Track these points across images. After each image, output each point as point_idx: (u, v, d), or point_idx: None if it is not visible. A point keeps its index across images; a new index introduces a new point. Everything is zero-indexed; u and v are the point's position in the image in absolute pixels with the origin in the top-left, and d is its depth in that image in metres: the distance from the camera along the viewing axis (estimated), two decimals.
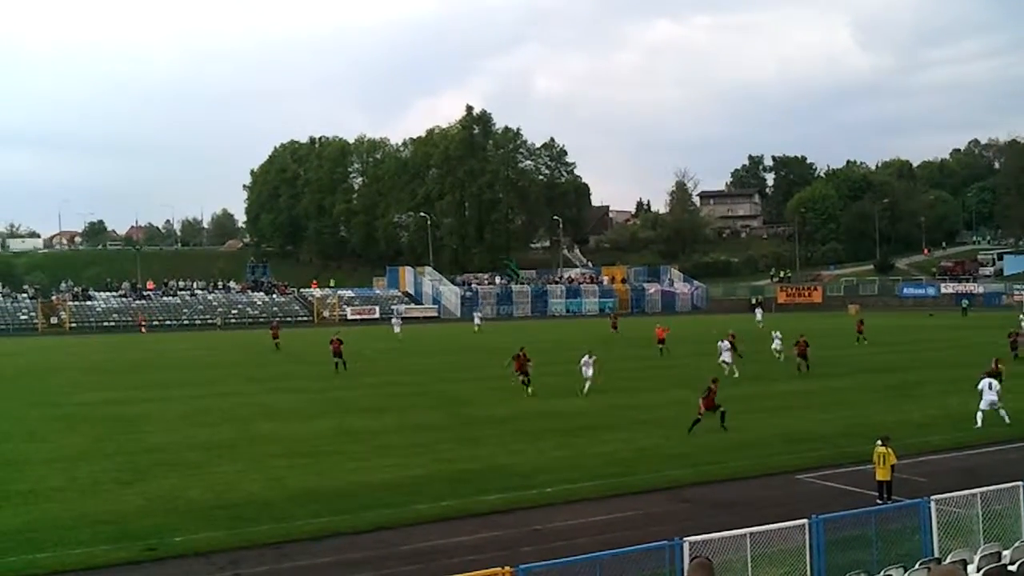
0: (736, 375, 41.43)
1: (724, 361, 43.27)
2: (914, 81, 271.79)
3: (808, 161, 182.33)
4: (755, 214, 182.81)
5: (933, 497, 13.96)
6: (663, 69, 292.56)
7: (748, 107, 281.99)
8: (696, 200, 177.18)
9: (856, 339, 59.70)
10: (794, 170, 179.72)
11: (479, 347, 61.97)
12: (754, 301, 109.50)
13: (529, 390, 35.98)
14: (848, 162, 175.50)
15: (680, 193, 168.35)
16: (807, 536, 12.80)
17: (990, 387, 27.86)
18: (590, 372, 36.24)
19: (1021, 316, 60.64)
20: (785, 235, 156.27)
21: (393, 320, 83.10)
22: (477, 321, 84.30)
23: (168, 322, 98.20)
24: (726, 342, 44.80)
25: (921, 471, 21.74)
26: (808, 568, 12.72)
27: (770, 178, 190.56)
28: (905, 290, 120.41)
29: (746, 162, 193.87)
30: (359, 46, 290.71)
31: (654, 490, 21.23)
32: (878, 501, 18.48)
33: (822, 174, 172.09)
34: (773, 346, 49.52)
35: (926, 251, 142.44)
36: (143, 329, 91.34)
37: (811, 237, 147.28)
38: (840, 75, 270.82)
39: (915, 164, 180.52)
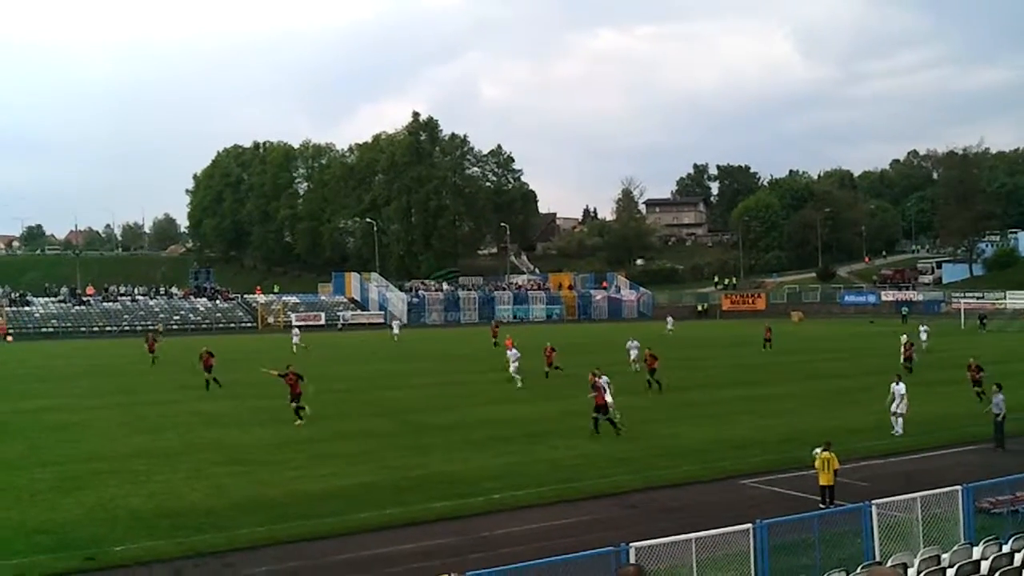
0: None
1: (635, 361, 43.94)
2: (855, 92, 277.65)
3: (752, 170, 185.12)
4: (700, 222, 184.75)
5: (874, 501, 14.17)
6: (607, 78, 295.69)
7: (692, 116, 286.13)
8: (642, 208, 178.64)
9: (763, 346, 60.64)
10: (738, 179, 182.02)
11: (425, 355, 61.75)
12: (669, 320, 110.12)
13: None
14: (791, 171, 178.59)
15: (626, 201, 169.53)
16: (752, 540, 12.90)
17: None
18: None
19: (922, 327, 61.16)
20: (729, 243, 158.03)
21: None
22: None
23: (109, 328, 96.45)
24: (634, 342, 46.40)
25: (862, 476, 22.07)
26: (753, 572, 12.82)
27: (715, 187, 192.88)
28: (847, 297, 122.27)
29: (691, 171, 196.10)
30: (305, 51, 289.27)
31: (600, 496, 21.28)
32: (821, 505, 18.71)
33: (765, 183, 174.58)
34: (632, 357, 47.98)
35: (867, 259, 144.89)
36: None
37: (755, 245, 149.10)
38: (783, 85, 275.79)
39: (856, 174, 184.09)
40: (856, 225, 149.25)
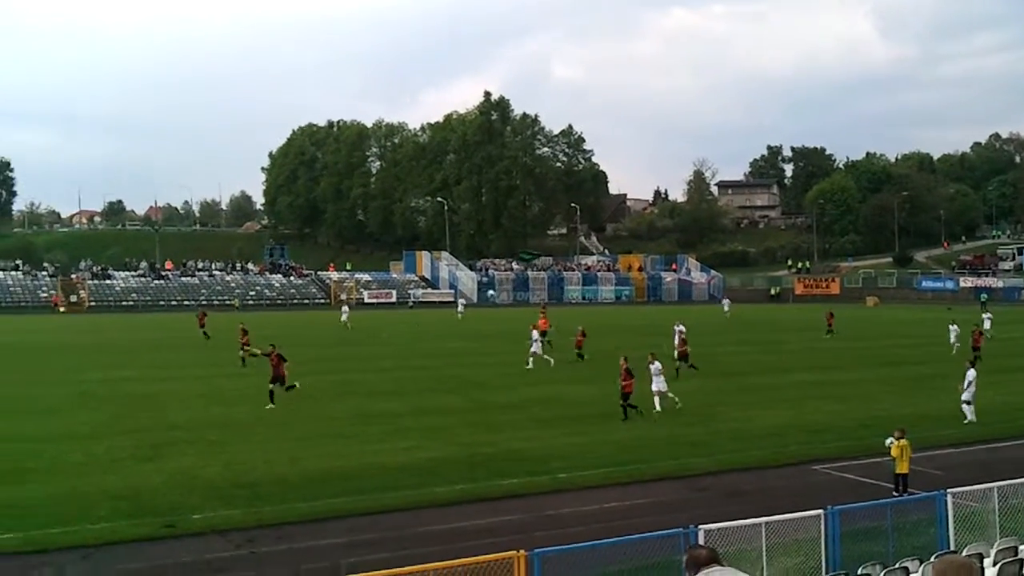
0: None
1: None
2: (935, 73, 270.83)
3: (827, 152, 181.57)
4: (773, 204, 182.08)
5: (950, 490, 13.95)
6: (680, 57, 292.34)
7: (767, 96, 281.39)
8: (714, 190, 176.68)
9: (826, 332, 59.46)
10: (813, 161, 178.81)
11: (498, 333, 62.04)
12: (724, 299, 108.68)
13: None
14: (868, 154, 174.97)
15: (698, 182, 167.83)
16: (822, 526, 12.83)
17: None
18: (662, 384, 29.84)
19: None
20: (803, 226, 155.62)
21: (458, 302, 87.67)
22: (460, 309, 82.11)
23: (187, 302, 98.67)
24: (681, 326, 45.52)
25: (937, 464, 21.71)
26: (823, 558, 12.75)
27: (789, 168, 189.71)
28: (924, 283, 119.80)
29: (765, 152, 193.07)
30: (379, 30, 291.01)
31: (669, 478, 21.27)
32: (894, 493, 18.48)
33: (841, 165, 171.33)
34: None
35: (945, 244, 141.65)
36: (61, 309, 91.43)
37: (829, 228, 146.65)
38: (861, 65, 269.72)
39: (936, 157, 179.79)
40: (935, 209, 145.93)
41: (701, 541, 11.50)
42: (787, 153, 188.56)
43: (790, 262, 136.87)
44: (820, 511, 12.93)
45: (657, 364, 29.81)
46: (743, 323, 69.49)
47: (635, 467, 22.08)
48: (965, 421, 27.28)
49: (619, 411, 28.21)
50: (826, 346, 51.75)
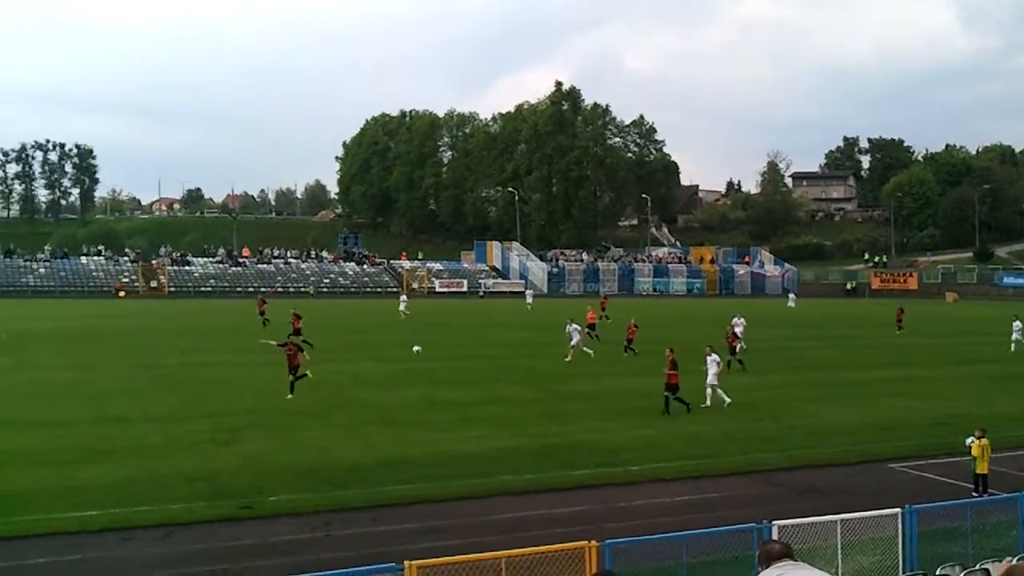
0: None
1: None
2: (1018, 63, 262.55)
3: (905, 144, 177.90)
4: (849, 197, 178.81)
5: None
6: (755, 46, 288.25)
7: (843, 87, 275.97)
8: (788, 181, 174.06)
9: (896, 328, 58.21)
10: (891, 153, 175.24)
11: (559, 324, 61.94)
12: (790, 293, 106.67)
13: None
14: (947, 146, 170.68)
15: (772, 174, 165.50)
16: (900, 525, 12.63)
17: None
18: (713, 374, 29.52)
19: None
20: (880, 219, 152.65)
21: (527, 292, 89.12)
22: (529, 300, 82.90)
23: (263, 289, 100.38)
24: (741, 319, 44.88)
25: (1019, 465, 21.19)
26: (900, 558, 12.55)
27: (866, 160, 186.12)
28: (1005, 279, 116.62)
29: (841, 144, 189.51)
30: (450, 20, 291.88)
31: (741, 473, 21.08)
32: (974, 494, 18.08)
33: (920, 158, 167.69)
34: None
35: None
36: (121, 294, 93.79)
37: (907, 222, 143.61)
38: (941, 56, 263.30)
39: (1018, 149, 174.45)
40: (1017, 203, 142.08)
41: (775, 536, 11.40)
42: (864, 145, 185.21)
43: (866, 256, 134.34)
44: (897, 510, 12.73)
45: (715, 356, 29.57)
46: (815, 318, 68.37)
47: (706, 461, 21.93)
48: None
49: (693, 403, 28.05)
50: (902, 342, 50.78)
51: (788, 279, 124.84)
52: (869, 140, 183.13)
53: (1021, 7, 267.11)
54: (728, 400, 28.90)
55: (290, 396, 29.41)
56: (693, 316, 75.07)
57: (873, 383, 35.40)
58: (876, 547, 12.51)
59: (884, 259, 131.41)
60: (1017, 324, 47.24)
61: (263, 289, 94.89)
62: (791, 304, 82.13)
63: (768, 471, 21.26)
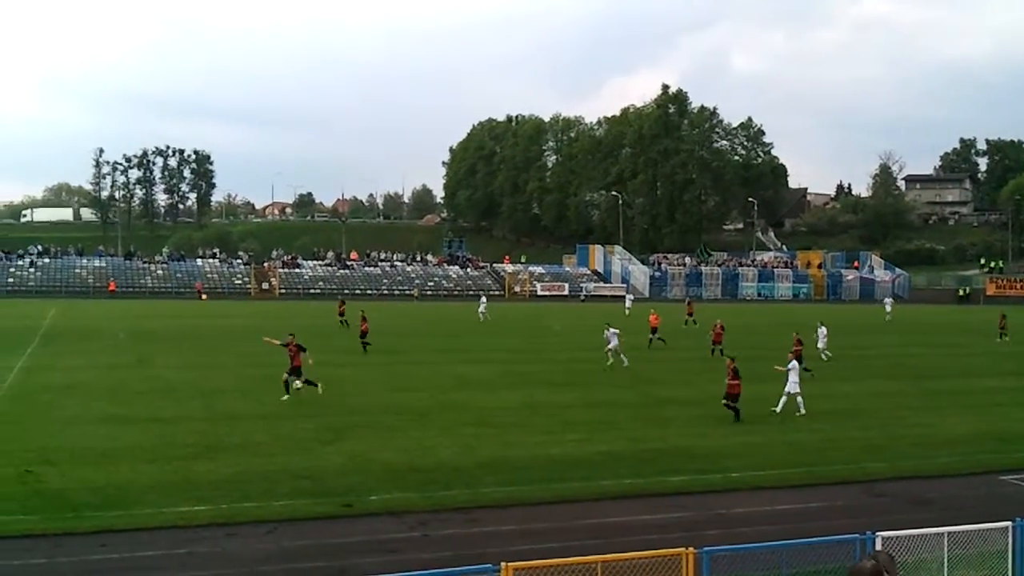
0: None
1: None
2: None
3: None
4: (965, 200, 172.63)
5: None
6: (868, 46, 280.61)
7: (960, 87, 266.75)
8: (901, 184, 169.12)
9: (998, 336, 56.11)
10: (1009, 154, 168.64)
11: (665, 328, 61.42)
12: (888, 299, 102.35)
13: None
14: None
15: (884, 176, 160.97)
16: (1010, 539, 12.19)
17: None
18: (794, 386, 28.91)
19: None
20: (998, 223, 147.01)
21: (626, 296, 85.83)
22: (628, 304, 79.11)
23: (369, 291, 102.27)
24: (823, 328, 43.47)
25: None
26: (1010, 572, 12.12)
27: (983, 163, 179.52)
28: None
29: (957, 145, 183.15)
30: (556, 25, 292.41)
31: (846, 482, 20.60)
32: None
33: None
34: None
35: None
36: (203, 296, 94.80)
37: None
38: None
39: None
40: None
41: (879, 548, 11.14)
42: (981, 146, 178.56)
43: (982, 261, 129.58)
44: (1008, 523, 12.29)
45: (795, 363, 29.18)
46: (925, 324, 66.30)
47: (810, 469, 21.52)
48: None
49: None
50: (1015, 351, 48.81)
51: (899, 284, 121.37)
52: (987, 141, 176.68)
53: None
54: (802, 410, 28.35)
55: (286, 397, 29.21)
56: (794, 321, 73.52)
57: (986, 392, 34.25)
58: (984, 561, 12.11)
59: (1000, 264, 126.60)
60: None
61: (384, 292, 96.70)
62: (888, 311, 76.66)
63: (874, 481, 20.74)
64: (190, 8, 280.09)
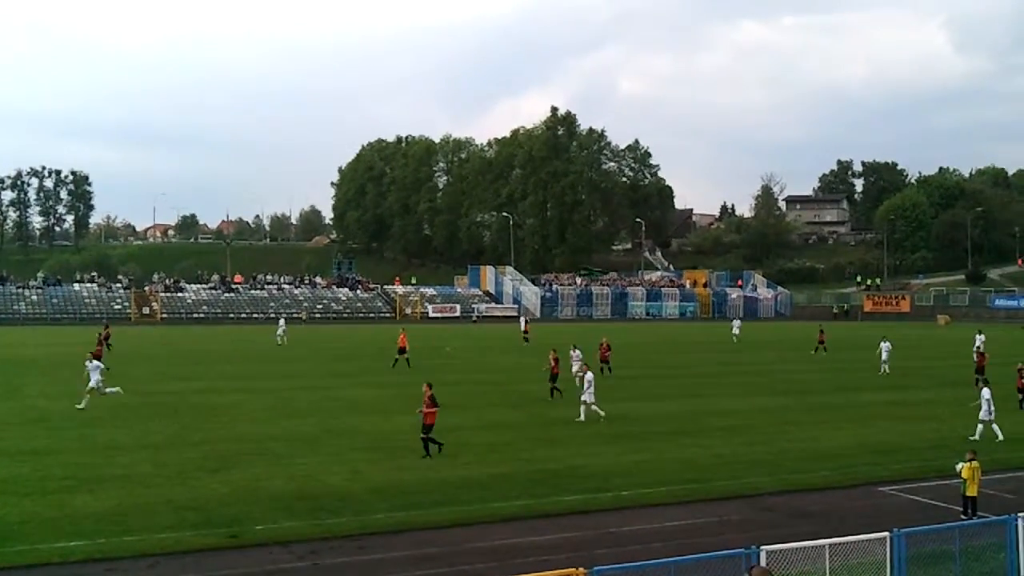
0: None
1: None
2: (1012, 86, 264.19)
3: (899, 167, 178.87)
4: (843, 220, 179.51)
5: (1021, 514, 13.62)
6: (750, 70, 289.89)
7: (837, 110, 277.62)
8: (782, 205, 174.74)
9: (815, 349, 58.92)
10: (884, 176, 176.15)
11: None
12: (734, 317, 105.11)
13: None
14: (941, 169, 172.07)
15: (766, 197, 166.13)
16: (888, 550, 12.59)
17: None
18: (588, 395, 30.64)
19: (978, 335, 55.05)
20: (873, 242, 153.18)
21: (521, 319, 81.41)
22: (523, 326, 72.38)
23: (256, 315, 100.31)
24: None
25: (1008, 487, 21.21)
26: None
27: (859, 184, 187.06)
28: (997, 301, 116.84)
29: (834, 167, 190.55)
30: (446, 46, 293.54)
31: (733, 497, 21.00)
32: (963, 517, 18.07)
33: (913, 181, 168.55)
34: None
35: (1020, 262, 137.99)
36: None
37: (900, 245, 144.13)
38: (934, 79, 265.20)
39: (1011, 172, 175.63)
40: (1010, 226, 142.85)
41: (763, 562, 11.37)
42: (857, 168, 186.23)
43: (859, 279, 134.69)
44: (886, 533, 12.70)
45: (590, 375, 31.02)
46: (803, 341, 68.05)
47: (699, 485, 21.87)
48: (997, 439, 27.00)
49: (687, 428, 28.15)
50: (897, 365, 50.72)
51: (781, 302, 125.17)
52: (863, 163, 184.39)
53: (1011, 31, 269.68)
54: (603, 414, 30.28)
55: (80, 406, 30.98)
56: (684, 340, 75.20)
57: (864, 405, 35.45)
58: (865, 571, 12.48)
59: (877, 282, 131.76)
60: (885, 344, 47.91)
61: (272, 315, 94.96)
62: (735, 332, 72.53)
63: (761, 495, 21.20)
64: (64, 20, 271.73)
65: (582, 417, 30.34)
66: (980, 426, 27.66)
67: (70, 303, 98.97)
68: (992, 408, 27.57)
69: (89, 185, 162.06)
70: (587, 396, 30.56)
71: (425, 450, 24.41)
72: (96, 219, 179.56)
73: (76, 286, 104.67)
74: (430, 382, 25.72)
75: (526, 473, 22.89)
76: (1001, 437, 27.13)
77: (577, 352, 40.34)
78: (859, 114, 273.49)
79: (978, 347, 49.78)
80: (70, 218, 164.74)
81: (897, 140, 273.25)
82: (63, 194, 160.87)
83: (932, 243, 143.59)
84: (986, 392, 28.07)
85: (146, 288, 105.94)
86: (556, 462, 24.31)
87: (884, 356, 47.63)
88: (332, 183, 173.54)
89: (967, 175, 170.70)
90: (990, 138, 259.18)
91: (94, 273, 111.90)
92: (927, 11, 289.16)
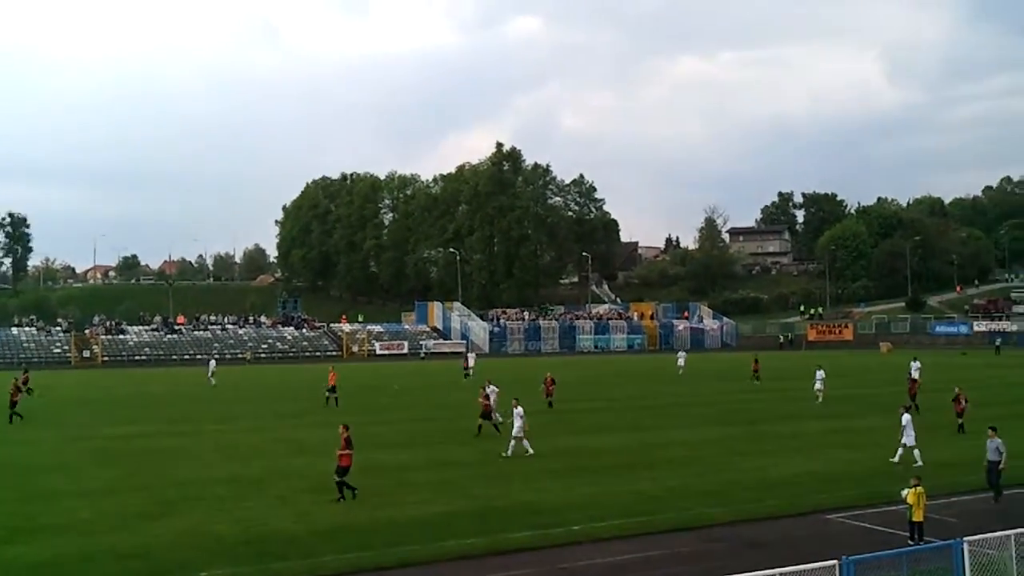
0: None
1: None
2: (946, 117, 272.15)
3: (839, 198, 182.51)
4: (785, 251, 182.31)
5: (966, 538, 13.77)
6: (690, 105, 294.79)
7: (777, 143, 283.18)
8: (726, 236, 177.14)
9: (751, 378, 60.03)
10: (824, 207, 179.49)
11: (511, 382, 61.83)
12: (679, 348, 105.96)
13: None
14: (879, 199, 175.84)
15: (709, 229, 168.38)
16: None
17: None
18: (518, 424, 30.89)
19: (914, 363, 54.45)
20: (815, 272, 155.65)
21: (468, 354, 78.68)
22: (470, 363, 71.52)
23: (200, 356, 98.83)
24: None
25: (952, 512, 21.46)
26: None
27: (800, 215, 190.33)
28: (937, 328, 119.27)
29: (776, 199, 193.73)
30: (390, 83, 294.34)
31: (684, 529, 20.99)
32: (910, 542, 18.23)
33: (853, 211, 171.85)
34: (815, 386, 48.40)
35: (959, 289, 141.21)
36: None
37: (842, 274, 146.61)
38: (870, 110, 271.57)
39: (947, 201, 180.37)
40: (947, 254, 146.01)
41: None
42: (798, 199, 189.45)
43: (802, 308, 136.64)
44: (835, 561, 12.74)
45: (520, 409, 30.86)
46: (749, 371, 68.87)
47: (650, 518, 21.82)
48: (916, 464, 27.35)
49: (637, 461, 28.16)
50: (841, 393, 51.39)
51: (727, 332, 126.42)
52: (803, 195, 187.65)
53: (941, 64, 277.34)
54: (531, 451, 30.39)
55: None
56: (632, 372, 75.50)
57: (811, 434, 35.78)
58: None
59: (820, 311, 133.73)
60: (820, 373, 48.66)
61: (216, 356, 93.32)
62: (680, 364, 72.63)
63: (710, 526, 21.21)
64: None
65: (509, 452, 30.42)
66: (900, 449, 28.33)
67: (8, 347, 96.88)
68: (911, 433, 28.23)
69: (27, 227, 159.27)
70: (516, 431, 30.67)
71: (339, 493, 23.78)
72: (34, 261, 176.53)
73: (14, 330, 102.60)
74: (347, 424, 25.16)
75: (476, 510, 22.69)
76: (920, 463, 27.43)
77: (492, 387, 39.71)
78: (799, 146, 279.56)
79: (911, 374, 50.47)
80: (7, 261, 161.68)
81: (836, 171, 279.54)
82: (0, 237, 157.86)
83: (872, 272, 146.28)
84: (906, 417, 28.56)
85: (86, 331, 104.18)
86: (506, 498, 24.15)
87: (819, 385, 48.02)
88: (276, 221, 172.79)
89: (905, 205, 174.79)
90: (926, 168, 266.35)
91: (33, 316, 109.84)
92: (863, 44, 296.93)
